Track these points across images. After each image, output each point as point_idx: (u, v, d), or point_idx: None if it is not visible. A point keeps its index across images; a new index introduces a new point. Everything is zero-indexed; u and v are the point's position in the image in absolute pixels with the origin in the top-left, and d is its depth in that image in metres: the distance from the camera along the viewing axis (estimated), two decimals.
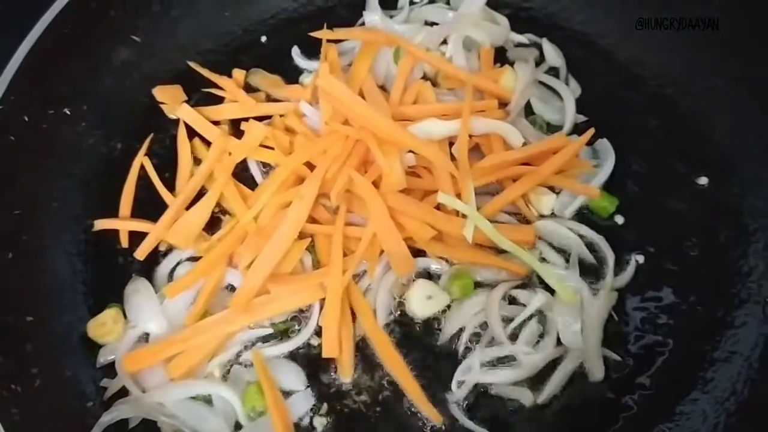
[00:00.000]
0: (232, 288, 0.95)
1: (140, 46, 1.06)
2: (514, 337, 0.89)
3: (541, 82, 1.07)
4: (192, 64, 1.09)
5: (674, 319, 0.90)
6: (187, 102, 1.07)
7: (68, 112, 0.99)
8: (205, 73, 1.08)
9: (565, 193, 0.98)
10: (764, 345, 0.86)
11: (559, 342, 0.88)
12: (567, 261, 0.93)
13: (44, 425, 0.78)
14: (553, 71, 1.08)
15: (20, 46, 0.93)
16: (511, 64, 1.07)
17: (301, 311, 0.93)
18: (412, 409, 0.86)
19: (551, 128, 1.04)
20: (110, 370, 0.89)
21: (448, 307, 0.92)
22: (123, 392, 0.87)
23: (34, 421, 0.77)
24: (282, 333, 0.92)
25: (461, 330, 0.90)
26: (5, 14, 1.00)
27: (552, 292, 0.89)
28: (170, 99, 1.07)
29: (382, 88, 1.05)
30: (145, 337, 0.91)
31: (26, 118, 0.93)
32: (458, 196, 0.92)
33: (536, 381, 0.87)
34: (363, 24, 1.14)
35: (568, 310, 0.88)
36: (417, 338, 0.91)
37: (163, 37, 1.08)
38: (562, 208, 0.97)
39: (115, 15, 1.03)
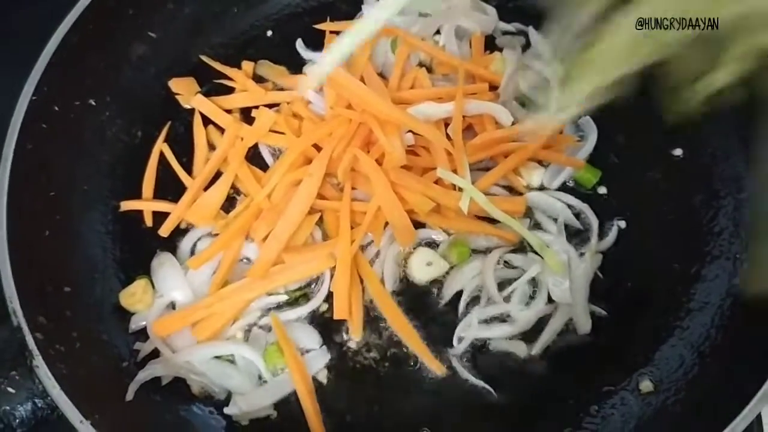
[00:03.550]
0: (248, 261, 1.03)
1: (156, 42, 1.14)
2: (508, 298, 0.98)
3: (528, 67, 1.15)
4: (204, 58, 1.16)
5: (653, 276, 0.99)
6: (200, 92, 1.15)
7: (93, 103, 1.06)
8: (217, 65, 1.16)
9: (553, 167, 1.07)
10: (734, 296, 0.94)
11: (549, 300, 0.97)
12: None
13: (86, 380, 0.86)
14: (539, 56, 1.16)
15: (48, 42, 1.00)
16: (500, 50, 1.16)
17: (313, 279, 1.01)
18: (417, 363, 0.95)
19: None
20: (142, 334, 0.97)
21: (448, 273, 1.01)
22: (154, 354, 0.95)
23: (77, 375, 0.84)
24: (297, 299, 1.00)
25: (460, 293, 0.99)
26: (34, 13, 1.07)
27: None
28: (185, 90, 1.15)
29: (381, 75, 1.14)
30: (172, 305, 0.99)
31: (56, 108, 1.00)
32: (454, 171, 1.00)
33: (529, 335, 0.96)
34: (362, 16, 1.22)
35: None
36: (420, 301, 0.99)
37: (176, 33, 1.16)
38: (550, 180, 1.06)
39: (133, 13, 1.10)
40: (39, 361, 0.81)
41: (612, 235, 1.02)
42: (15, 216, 0.90)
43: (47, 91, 0.98)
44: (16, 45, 1.03)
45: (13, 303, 0.83)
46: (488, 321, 0.97)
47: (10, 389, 0.80)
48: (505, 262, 1.01)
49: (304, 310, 0.98)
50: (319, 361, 0.95)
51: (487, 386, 0.92)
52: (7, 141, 0.94)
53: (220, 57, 1.18)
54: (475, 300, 0.98)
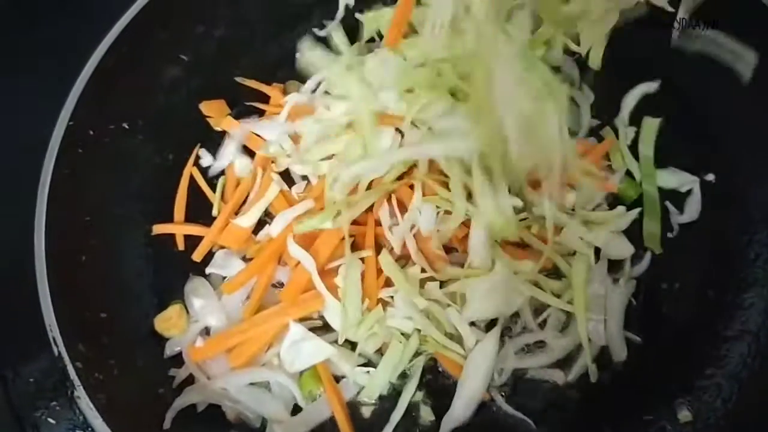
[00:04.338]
0: (282, 285, 1.03)
1: (187, 65, 1.15)
2: (542, 324, 0.98)
3: None
4: (239, 79, 1.17)
5: (688, 303, 0.99)
6: (230, 114, 1.16)
7: (126, 127, 1.07)
8: (254, 84, 1.17)
9: (585, 190, 1.07)
10: None
11: None
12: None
13: (125, 408, 0.86)
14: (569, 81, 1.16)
15: (84, 67, 1.01)
16: None
17: None
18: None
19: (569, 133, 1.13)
20: (177, 360, 0.97)
21: None
22: (189, 380, 0.95)
23: (116, 404, 0.85)
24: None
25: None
26: (70, 39, 1.08)
27: None
28: (215, 113, 1.16)
29: None
30: (206, 330, 1.00)
31: (91, 132, 1.01)
32: None
33: (565, 363, 0.96)
34: None
35: (591, 306, 0.96)
36: None
37: (207, 56, 1.16)
38: (584, 203, 1.05)
39: (165, 37, 1.11)
40: (80, 392, 0.81)
41: (645, 262, 1.02)
42: (53, 242, 0.91)
43: (83, 115, 0.99)
44: (53, 69, 1.03)
45: (54, 331, 0.84)
46: (524, 350, 0.96)
47: (50, 420, 0.80)
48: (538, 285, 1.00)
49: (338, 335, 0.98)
50: (356, 386, 0.95)
51: (526, 419, 0.92)
52: (44, 167, 0.95)
53: (249, 78, 1.18)
54: (507, 330, 0.98)
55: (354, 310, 0.93)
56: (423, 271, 0.97)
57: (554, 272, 1.00)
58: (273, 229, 1.00)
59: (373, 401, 0.95)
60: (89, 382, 0.83)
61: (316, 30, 1.20)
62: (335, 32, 1.15)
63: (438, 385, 0.97)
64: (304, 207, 1.00)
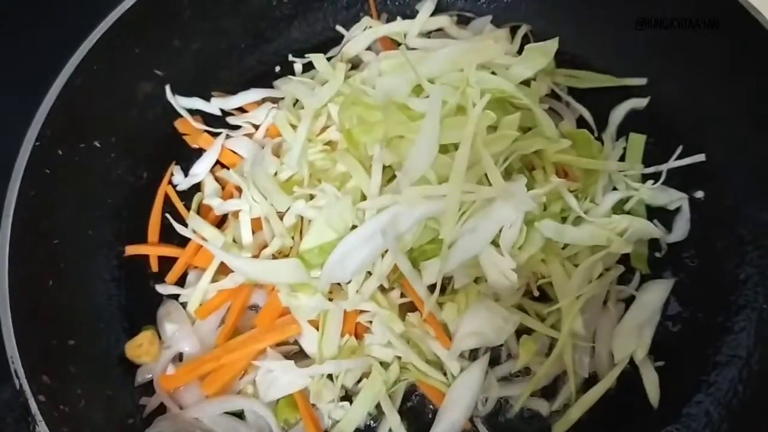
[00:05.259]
0: (258, 308, 0.99)
1: (162, 80, 1.11)
2: None
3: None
4: (215, 94, 1.14)
5: (677, 327, 0.96)
6: (207, 131, 1.12)
7: (98, 145, 1.03)
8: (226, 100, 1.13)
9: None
10: (762, 348, 0.91)
11: None
12: None
13: None
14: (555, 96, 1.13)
15: (53, 84, 0.98)
16: None
17: None
18: None
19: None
20: (148, 388, 0.94)
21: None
22: (161, 409, 0.92)
23: None
24: None
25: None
26: (38, 54, 1.04)
27: None
28: (191, 130, 1.13)
29: None
30: (180, 357, 0.96)
31: (60, 152, 0.98)
32: None
33: (551, 391, 0.93)
34: None
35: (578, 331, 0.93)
36: None
37: (183, 71, 1.13)
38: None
39: (139, 51, 1.07)
40: (42, 428, 0.78)
41: (634, 282, 0.99)
42: (18, 268, 0.88)
43: (51, 134, 0.96)
44: (18, 88, 1.00)
45: (15, 363, 0.80)
46: (508, 378, 0.93)
47: None
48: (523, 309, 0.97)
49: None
50: (334, 414, 0.92)
51: None
52: (9, 188, 0.91)
53: (227, 94, 1.15)
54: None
55: (331, 344, 0.90)
56: (402, 295, 0.94)
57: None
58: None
59: None
60: (53, 416, 0.80)
61: (293, 59, 1.17)
62: (317, 61, 1.10)
63: (418, 411, 0.94)
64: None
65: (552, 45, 0.98)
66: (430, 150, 0.86)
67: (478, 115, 0.88)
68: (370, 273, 0.92)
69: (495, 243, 0.90)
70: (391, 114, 0.90)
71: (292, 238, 0.97)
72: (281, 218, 0.97)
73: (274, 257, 0.96)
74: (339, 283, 0.93)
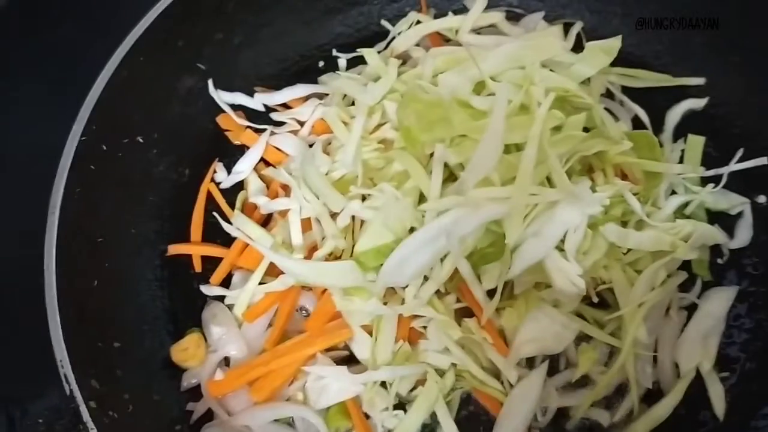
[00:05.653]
0: (307, 312, 0.96)
1: (205, 74, 1.08)
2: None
3: None
4: (258, 89, 1.10)
5: (742, 336, 0.93)
6: (250, 127, 1.09)
7: (141, 140, 1.00)
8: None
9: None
10: None
11: None
12: None
13: None
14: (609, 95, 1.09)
15: (97, 79, 0.95)
16: None
17: None
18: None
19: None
20: (195, 393, 0.91)
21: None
22: (208, 415, 0.89)
23: None
24: None
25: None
26: (83, 49, 1.01)
27: None
28: (234, 126, 1.09)
29: None
30: (226, 361, 0.93)
31: (104, 147, 0.95)
32: None
33: (611, 401, 0.90)
34: None
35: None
36: None
37: (226, 65, 1.10)
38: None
39: (182, 45, 1.04)
40: None
41: (696, 289, 0.95)
42: (65, 268, 0.85)
43: (96, 130, 0.93)
44: (63, 84, 0.97)
45: (65, 367, 0.77)
46: (567, 387, 0.90)
47: None
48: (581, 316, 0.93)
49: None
50: (388, 423, 0.88)
51: None
52: (54, 187, 0.88)
53: (271, 89, 1.12)
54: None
55: (385, 350, 0.87)
56: (459, 300, 0.90)
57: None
58: None
59: None
60: (103, 422, 0.77)
61: (338, 54, 1.14)
62: (369, 56, 1.05)
63: (474, 420, 0.91)
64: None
65: (614, 43, 0.95)
66: (495, 150, 0.82)
67: (545, 115, 0.84)
68: (426, 277, 0.88)
69: (558, 248, 0.86)
70: (454, 112, 0.87)
71: (344, 239, 0.93)
72: (333, 219, 0.94)
73: (326, 259, 0.92)
74: (394, 287, 0.90)
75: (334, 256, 0.94)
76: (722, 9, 1.03)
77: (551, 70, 0.94)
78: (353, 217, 0.94)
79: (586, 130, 0.95)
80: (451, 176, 0.90)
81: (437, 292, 0.90)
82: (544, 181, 0.87)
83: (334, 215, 0.94)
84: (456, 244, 0.83)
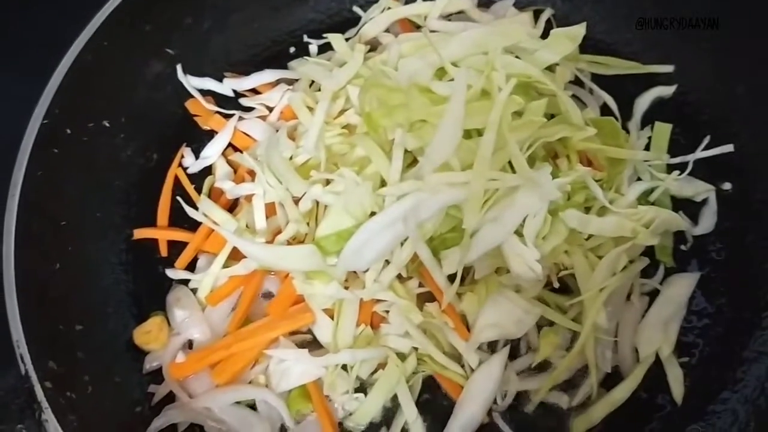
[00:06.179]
0: (271, 295, 0.97)
1: (173, 59, 1.08)
2: None
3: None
4: (228, 74, 1.10)
5: (703, 322, 0.93)
6: (218, 113, 1.09)
7: (107, 125, 1.00)
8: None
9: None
10: None
11: None
12: None
13: (98, 430, 0.80)
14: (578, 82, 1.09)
15: (61, 61, 0.94)
16: None
17: None
18: None
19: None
20: (157, 375, 0.91)
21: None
22: (170, 396, 0.89)
23: (89, 426, 0.79)
24: None
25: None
26: (46, 31, 1.01)
27: None
28: (203, 111, 1.09)
29: None
30: (189, 344, 0.94)
31: (68, 131, 0.95)
32: None
33: (571, 385, 0.90)
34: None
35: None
36: None
37: (195, 50, 1.10)
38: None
39: (150, 29, 1.04)
40: (48, 415, 0.75)
41: (659, 275, 0.96)
42: (24, 250, 0.85)
43: (59, 113, 0.93)
44: (27, 64, 0.97)
45: (21, 348, 0.78)
46: (528, 372, 0.91)
47: None
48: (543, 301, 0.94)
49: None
50: (348, 406, 0.89)
51: None
52: (16, 168, 0.88)
53: (240, 75, 1.12)
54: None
55: (347, 333, 0.87)
56: (421, 285, 0.91)
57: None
58: None
59: (362, 428, 0.89)
60: (59, 403, 0.77)
61: (309, 40, 1.14)
62: (336, 41, 1.06)
63: (435, 404, 0.91)
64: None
65: (579, 30, 0.95)
66: (454, 135, 0.83)
67: (505, 100, 0.85)
68: (387, 261, 0.89)
69: (518, 233, 0.87)
70: (413, 97, 0.87)
71: (307, 224, 0.93)
72: (296, 203, 0.94)
73: (288, 243, 0.93)
74: (355, 272, 0.90)
75: (297, 241, 0.94)
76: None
77: (517, 56, 0.94)
78: (317, 203, 0.94)
79: (552, 116, 0.95)
80: (414, 161, 0.90)
81: (399, 276, 0.90)
82: (506, 167, 0.87)
83: (297, 200, 0.94)
84: (413, 229, 0.83)
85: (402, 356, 0.90)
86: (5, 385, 0.77)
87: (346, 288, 0.89)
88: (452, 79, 0.89)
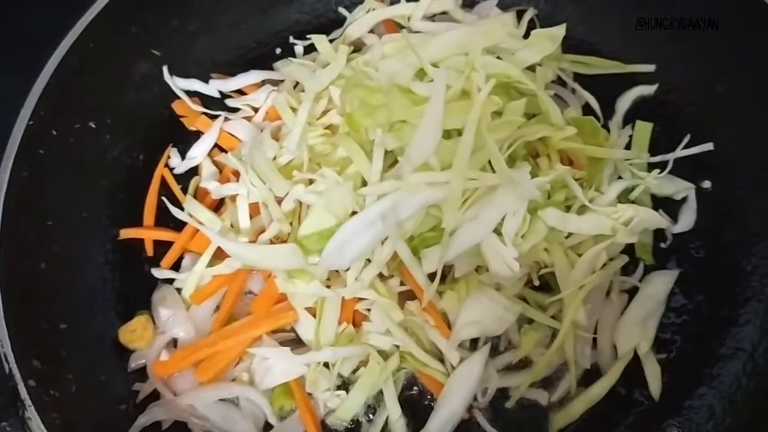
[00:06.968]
0: (254, 294, 0.97)
1: (160, 60, 1.09)
2: None
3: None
4: (215, 76, 1.11)
5: (681, 318, 0.94)
6: (204, 113, 1.10)
7: (93, 126, 1.01)
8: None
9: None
10: (767, 341, 0.90)
11: None
12: None
13: (82, 428, 0.82)
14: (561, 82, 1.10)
15: (47, 62, 0.95)
16: None
17: None
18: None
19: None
20: (141, 374, 0.92)
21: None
22: (154, 394, 0.90)
23: (73, 424, 0.80)
24: None
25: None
26: (32, 32, 1.02)
27: None
28: (189, 112, 1.10)
29: None
30: (173, 342, 0.95)
31: (54, 132, 0.96)
32: None
33: (550, 381, 0.92)
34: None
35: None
36: None
37: (181, 51, 1.11)
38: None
39: (136, 30, 1.05)
40: (31, 413, 0.76)
41: (638, 273, 0.97)
42: (9, 249, 0.86)
43: (45, 114, 0.94)
44: (12, 65, 0.98)
45: (5, 347, 0.79)
46: (508, 369, 0.92)
47: None
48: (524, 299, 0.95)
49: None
50: (331, 403, 0.90)
51: None
52: (1, 168, 0.89)
53: (226, 75, 1.13)
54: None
55: (328, 331, 0.88)
56: (402, 283, 0.92)
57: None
58: None
59: (345, 425, 0.90)
60: (43, 401, 0.78)
61: (294, 41, 1.15)
62: (320, 42, 1.07)
63: (417, 401, 0.92)
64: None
65: (559, 30, 0.96)
66: (434, 135, 0.84)
67: (483, 100, 0.86)
68: (369, 260, 0.90)
69: (497, 231, 0.88)
70: (393, 98, 0.88)
71: (290, 223, 0.95)
72: (279, 203, 0.95)
73: (271, 243, 0.94)
74: (337, 270, 0.91)
75: (280, 240, 0.95)
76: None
77: (497, 56, 0.95)
78: (300, 203, 0.95)
79: (533, 116, 0.96)
80: (395, 162, 0.91)
81: (380, 275, 0.91)
82: (486, 166, 0.88)
83: (280, 200, 0.95)
84: (392, 228, 0.84)
85: (384, 354, 0.91)
86: None
87: (328, 287, 0.90)
88: (432, 80, 0.90)
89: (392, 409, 0.89)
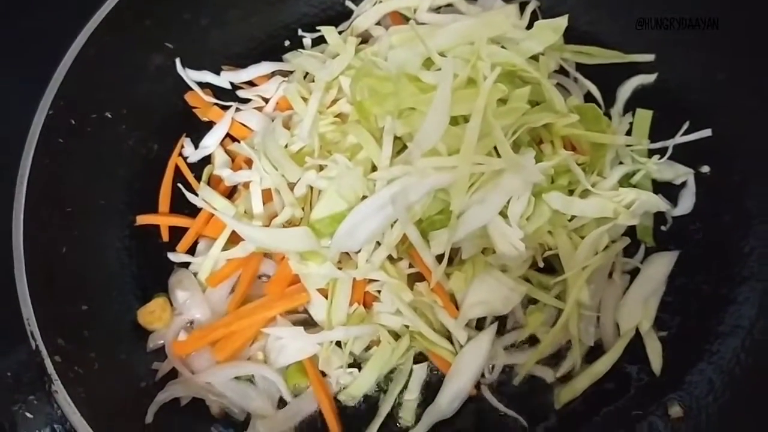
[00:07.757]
0: (268, 278, 1.01)
1: (173, 52, 1.12)
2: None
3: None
4: (225, 67, 1.14)
5: (682, 297, 0.97)
6: (216, 104, 1.13)
7: (109, 116, 1.04)
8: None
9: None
10: (765, 318, 0.92)
11: None
12: None
13: (105, 402, 0.85)
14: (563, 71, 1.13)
15: (65, 54, 0.99)
16: None
17: None
18: None
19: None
20: (160, 353, 0.95)
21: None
22: (173, 373, 0.94)
23: (96, 398, 0.83)
24: None
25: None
26: (51, 26, 1.05)
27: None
28: (201, 103, 1.13)
29: None
30: (191, 324, 0.98)
31: (73, 122, 0.99)
32: None
33: (555, 359, 0.95)
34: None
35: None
36: None
37: (194, 44, 1.14)
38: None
39: (150, 24, 1.08)
40: (58, 386, 0.79)
41: (639, 254, 1.00)
42: (32, 234, 0.89)
43: (64, 104, 0.97)
44: (32, 58, 1.01)
45: (32, 325, 0.82)
46: (514, 347, 0.95)
47: (28, 414, 0.79)
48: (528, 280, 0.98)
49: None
50: (343, 380, 0.93)
51: (517, 416, 0.91)
52: (23, 156, 0.93)
53: (237, 67, 1.16)
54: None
55: (340, 312, 0.91)
56: (411, 265, 0.95)
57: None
58: None
59: (356, 402, 0.93)
60: (68, 377, 0.82)
61: (303, 34, 1.18)
62: (329, 34, 1.10)
63: (426, 378, 0.95)
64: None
65: (562, 21, 0.99)
66: (441, 122, 0.87)
67: (489, 88, 0.89)
68: (379, 243, 0.93)
69: (503, 214, 0.91)
70: (402, 86, 0.91)
71: (302, 208, 0.98)
72: (291, 189, 0.98)
73: (284, 227, 0.97)
74: (348, 253, 0.94)
75: (292, 224, 0.98)
76: None
77: (502, 46, 0.98)
78: (311, 188, 0.98)
79: (537, 103, 0.99)
80: (404, 147, 0.94)
81: (390, 257, 0.94)
82: (492, 152, 0.91)
83: (292, 186, 0.99)
84: (402, 211, 0.87)
85: (394, 334, 0.94)
86: (18, 360, 0.81)
87: (340, 268, 0.93)
88: (440, 69, 0.93)
89: (412, 389, 0.93)
